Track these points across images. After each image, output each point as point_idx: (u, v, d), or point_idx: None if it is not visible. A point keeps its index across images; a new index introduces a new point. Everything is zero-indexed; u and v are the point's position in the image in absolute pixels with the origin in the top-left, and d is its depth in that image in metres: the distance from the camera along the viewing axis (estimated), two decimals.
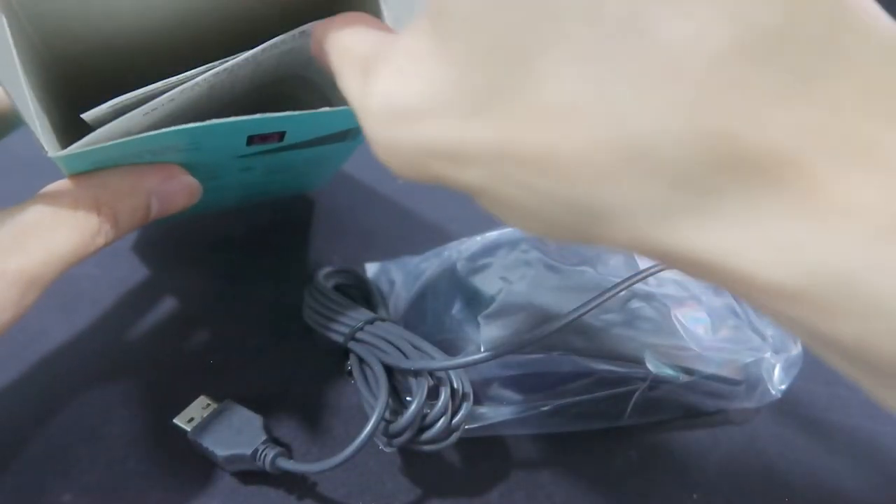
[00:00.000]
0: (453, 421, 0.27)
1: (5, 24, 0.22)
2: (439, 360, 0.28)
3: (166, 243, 0.42)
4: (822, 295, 0.13)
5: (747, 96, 0.13)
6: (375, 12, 0.27)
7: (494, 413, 0.29)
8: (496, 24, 0.15)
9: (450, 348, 0.30)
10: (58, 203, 0.24)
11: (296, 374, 0.34)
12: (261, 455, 0.28)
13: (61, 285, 0.38)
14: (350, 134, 0.32)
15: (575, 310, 0.27)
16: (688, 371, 0.30)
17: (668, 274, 0.31)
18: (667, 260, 0.15)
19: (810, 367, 0.31)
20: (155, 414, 0.31)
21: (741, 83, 0.13)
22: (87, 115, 0.23)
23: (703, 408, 0.31)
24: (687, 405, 0.31)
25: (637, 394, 0.29)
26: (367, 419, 0.27)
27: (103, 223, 0.25)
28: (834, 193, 0.13)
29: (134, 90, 0.23)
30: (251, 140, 0.28)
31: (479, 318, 0.31)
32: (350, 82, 0.19)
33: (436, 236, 0.39)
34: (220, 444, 0.28)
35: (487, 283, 0.32)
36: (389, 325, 0.31)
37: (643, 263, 0.31)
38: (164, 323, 0.36)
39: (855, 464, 0.30)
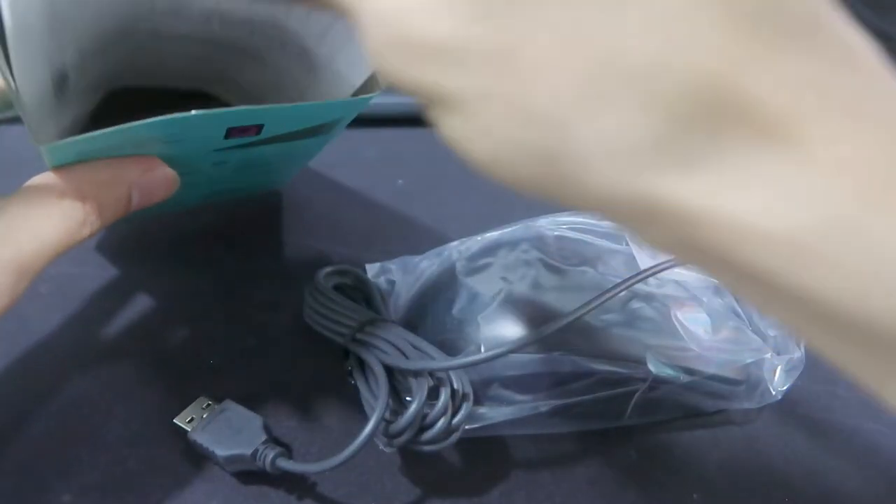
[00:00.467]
0: (453, 421, 0.27)
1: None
2: (439, 361, 0.28)
3: (166, 244, 0.42)
4: (812, 243, 0.14)
5: (749, 48, 0.14)
6: None
7: (495, 413, 0.29)
8: None
9: (450, 348, 0.30)
10: (44, 194, 0.25)
11: (296, 374, 0.34)
12: (261, 455, 0.28)
13: (61, 286, 0.38)
14: (325, 128, 0.32)
15: (575, 310, 0.27)
16: (688, 371, 0.30)
17: (669, 274, 0.31)
18: (642, 212, 0.15)
19: (810, 368, 0.31)
20: (155, 414, 0.31)
21: (744, 35, 0.14)
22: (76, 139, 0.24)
23: (703, 408, 0.31)
24: (687, 405, 0.31)
25: (637, 394, 0.29)
26: (367, 419, 0.27)
27: (88, 214, 0.25)
28: (826, 146, 0.13)
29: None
30: (230, 133, 0.28)
31: (479, 318, 0.31)
32: None
33: (436, 236, 0.39)
34: (220, 444, 0.28)
35: (487, 283, 0.32)
36: (389, 325, 0.31)
37: (644, 264, 0.31)
38: (165, 323, 0.36)
39: (855, 464, 0.30)
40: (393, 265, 0.36)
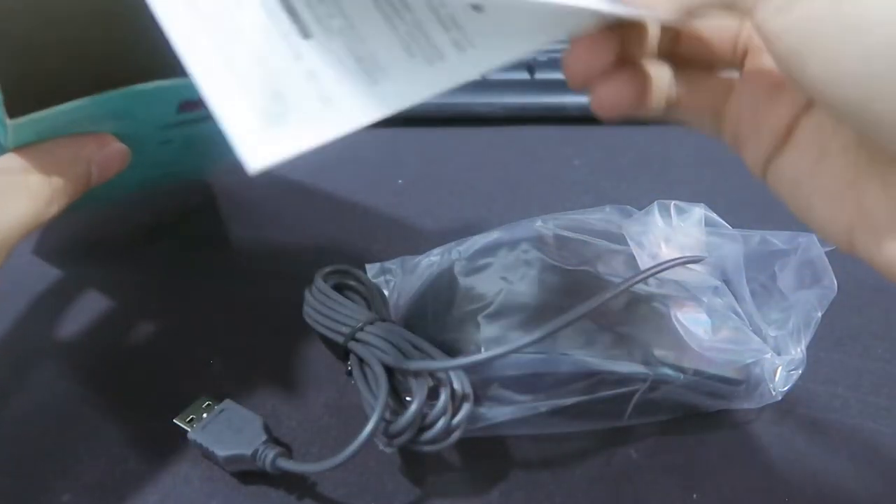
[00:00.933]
0: (453, 421, 0.27)
1: None
2: (439, 361, 0.28)
3: (165, 244, 0.42)
4: None
5: None
6: None
7: (495, 413, 0.29)
8: None
9: (450, 348, 0.30)
10: (10, 174, 0.25)
11: (296, 374, 0.34)
12: (261, 455, 0.28)
13: (61, 286, 0.38)
14: None
15: (575, 310, 0.27)
16: (688, 371, 0.30)
17: (669, 274, 0.31)
18: None
19: (811, 368, 0.31)
20: (155, 414, 0.31)
21: None
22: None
23: (703, 408, 0.31)
24: (687, 405, 0.31)
25: (637, 395, 0.29)
26: (366, 419, 0.27)
27: (55, 191, 0.26)
28: None
29: None
30: (182, 107, 0.28)
31: (479, 319, 0.31)
32: None
33: (436, 236, 0.39)
34: (221, 444, 0.29)
35: (487, 283, 0.32)
36: (389, 325, 0.31)
37: (644, 264, 0.31)
38: (165, 323, 0.36)
39: (855, 464, 0.30)
40: (393, 265, 0.36)
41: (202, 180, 0.46)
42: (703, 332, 0.30)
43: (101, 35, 0.30)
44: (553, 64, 0.52)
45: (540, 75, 0.51)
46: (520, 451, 0.30)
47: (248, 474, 0.29)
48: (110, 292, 0.38)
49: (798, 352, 0.30)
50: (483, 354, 0.27)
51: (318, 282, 0.34)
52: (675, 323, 0.30)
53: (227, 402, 0.30)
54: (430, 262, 0.35)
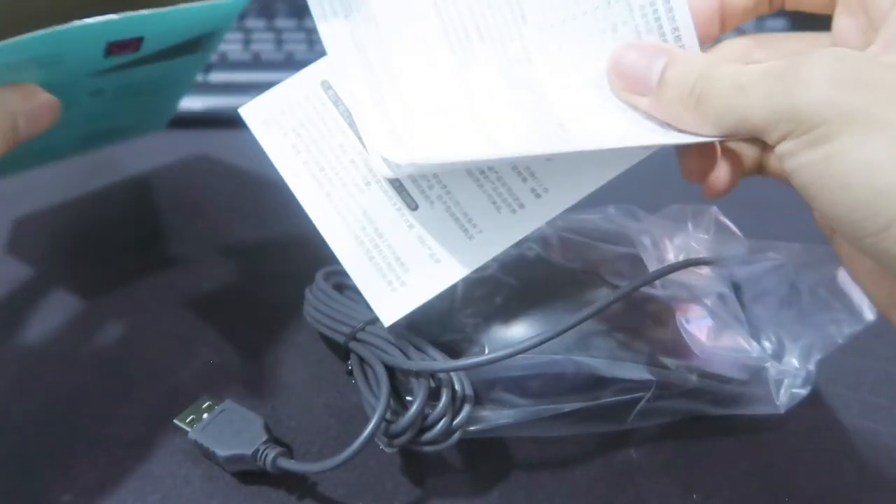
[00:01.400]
0: (454, 422, 0.27)
1: None
2: (441, 362, 0.28)
3: (165, 244, 0.42)
4: None
5: None
6: None
7: (496, 416, 0.29)
8: None
9: (451, 349, 0.30)
10: None
11: (296, 375, 0.34)
12: (261, 455, 0.28)
13: (61, 286, 0.38)
14: (202, 44, 0.34)
15: (579, 313, 0.27)
16: (692, 377, 0.30)
17: (676, 277, 0.31)
18: None
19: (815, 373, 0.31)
20: (155, 414, 0.31)
21: None
22: None
23: (706, 413, 0.31)
24: (690, 411, 0.31)
25: (642, 402, 0.29)
26: (367, 419, 0.27)
27: None
28: None
29: None
30: (109, 50, 0.29)
31: (482, 320, 0.31)
32: None
33: None
34: (221, 444, 0.28)
35: (490, 284, 0.32)
36: None
37: (651, 267, 0.31)
38: (165, 323, 0.36)
39: (855, 464, 0.30)
40: None
41: (196, 181, 0.45)
42: (706, 337, 0.30)
43: None
44: None
45: None
46: (520, 452, 0.30)
47: (249, 474, 0.29)
48: (109, 292, 0.38)
49: (806, 369, 0.30)
50: (484, 357, 0.27)
51: (319, 281, 0.34)
52: (680, 326, 0.30)
53: (228, 402, 0.30)
54: None
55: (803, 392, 0.30)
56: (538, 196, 0.27)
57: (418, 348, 0.29)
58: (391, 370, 0.29)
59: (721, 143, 0.27)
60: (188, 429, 0.29)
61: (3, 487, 0.29)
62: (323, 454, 0.30)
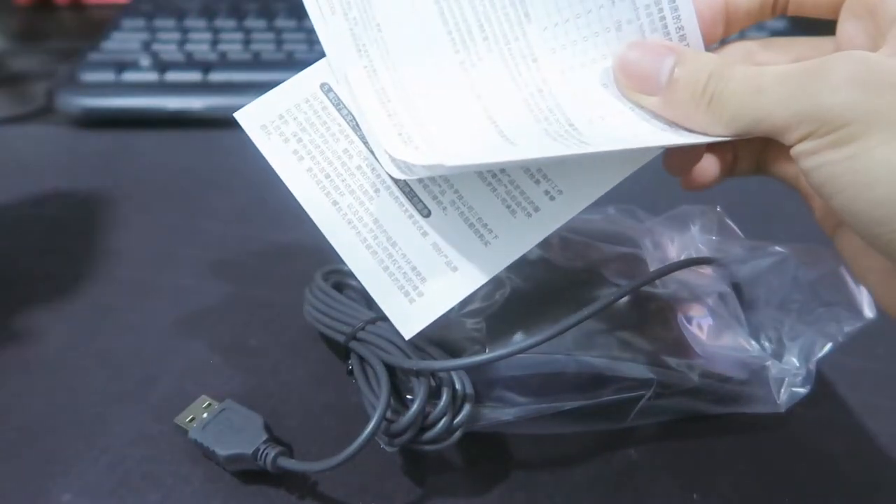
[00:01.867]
0: (454, 421, 0.27)
1: None
2: (441, 361, 0.28)
3: (165, 243, 0.42)
4: None
5: None
6: None
7: (496, 414, 0.29)
8: None
9: (452, 349, 0.30)
10: None
11: (296, 374, 0.33)
12: (261, 454, 0.28)
13: (61, 285, 0.38)
14: None
15: (580, 312, 0.27)
16: (692, 376, 0.30)
17: (674, 276, 0.31)
18: None
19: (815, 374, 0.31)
20: (155, 414, 0.31)
21: None
22: None
23: (706, 412, 0.31)
24: (690, 410, 0.31)
25: (643, 401, 0.29)
26: (367, 418, 0.27)
27: None
28: None
29: None
30: None
31: (482, 319, 0.31)
32: None
33: None
34: (221, 444, 0.28)
35: (491, 282, 0.32)
36: (391, 324, 0.30)
37: (652, 266, 0.31)
38: (165, 322, 0.36)
39: (855, 464, 0.30)
40: None
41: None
42: (706, 335, 0.30)
43: None
44: None
45: None
46: (520, 451, 0.30)
47: (249, 474, 0.29)
48: (109, 291, 0.38)
49: (806, 368, 0.30)
50: (485, 356, 0.27)
51: (319, 281, 0.34)
52: (680, 325, 0.30)
53: (228, 402, 0.30)
54: None
55: (803, 391, 0.30)
56: (553, 199, 0.27)
57: (419, 347, 0.29)
58: (391, 369, 0.29)
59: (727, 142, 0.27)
60: (188, 428, 0.29)
61: (3, 487, 0.29)
62: (323, 453, 0.30)
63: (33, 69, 0.61)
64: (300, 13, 0.59)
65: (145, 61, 0.55)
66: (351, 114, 0.27)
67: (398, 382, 0.29)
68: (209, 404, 0.30)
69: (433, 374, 0.28)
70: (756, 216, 0.37)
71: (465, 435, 0.28)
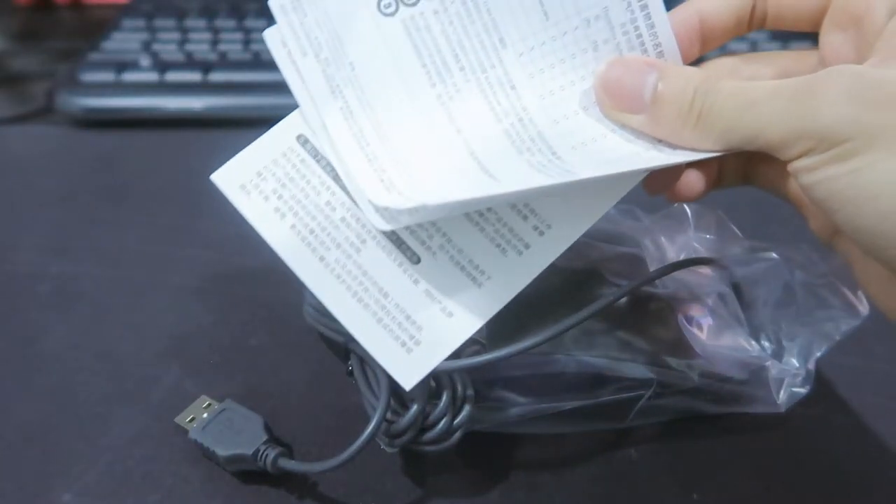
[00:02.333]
0: (455, 422, 0.27)
1: None
2: (441, 361, 0.28)
3: (165, 243, 0.42)
4: None
5: None
6: None
7: (496, 415, 0.29)
8: None
9: None
10: None
11: (296, 374, 0.34)
12: (262, 455, 0.28)
13: (62, 285, 0.38)
14: None
15: (580, 312, 0.27)
16: (692, 376, 0.30)
17: (674, 276, 0.31)
18: None
19: (815, 374, 0.31)
20: (156, 414, 0.31)
21: None
22: None
23: (706, 412, 0.31)
24: (690, 410, 0.31)
25: (642, 401, 0.29)
26: (368, 419, 0.27)
27: None
28: None
29: None
30: None
31: None
32: None
33: None
34: (221, 444, 0.28)
35: None
36: None
37: (652, 266, 0.31)
38: (165, 322, 0.36)
39: (855, 464, 0.30)
40: None
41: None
42: (706, 335, 0.30)
43: None
44: None
45: None
46: (520, 451, 0.30)
47: (249, 474, 0.29)
48: (109, 291, 0.38)
49: (805, 369, 0.30)
50: (485, 356, 0.27)
51: None
52: (680, 325, 0.30)
53: (228, 402, 0.30)
54: None
55: (803, 391, 0.30)
56: (542, 234, 0.26)
57: None
58: None
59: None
60: (188, 428, 0.29)
61: (3, 487, 0.29)
62: (323, 454, 0.30)
63: (33, 69, 0.61)
64: None
65: (145, 61, 0.55)
66: (330, 164, 0.26)
67: (398, 383, 0.29)
68: (209, 404, 0.30)
69: (433, 374, 0.28)
70: (755, 216, 0.37)
71: (466, 435, 0.28)
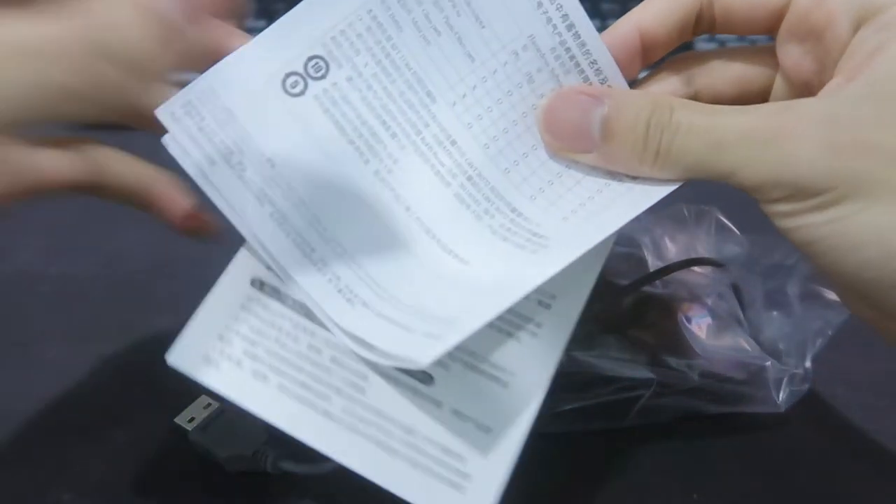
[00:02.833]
0: None
1: None
2: None
3: (165, 242, 0.42)
4: None
5: None
6: None
7: None
8: None
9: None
10: None
11: None
12: (262, 455, 0.28)
13: (62, 285, 0.38)
14: None
15: (581, 313, 0.27)
16: (692, 375, 0.30)
17: (677, 276, 0.31)
18: None
19: (815, 375, 0.31)
20: (156, 414, 0.31)
21: None
22: None
23: (706, 412, 0.31)
24: (690, 409, 0.31)
25: (643, 400, 0.29)
26: None
27: None
28: None
29: None
30: None
31: None
32: None
33: None
34: (222, 445, 0.28)
35: None
36: None
37: (652, 266, 0.31)
38: (165, 322, 0.36)
39: (855, 464, 0.30)
40: None
41: None
42: (707, 335, 0.30)
43: None
44: None
45: None
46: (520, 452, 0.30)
47: (249, 474, 0.29)
48: (109, 291, 0.38)
49: (803, 367, 0.30)
50: None
51: None
52: (681, 325, 0.30)
53: (228, 403, 0.30)
54: None
55: (802, 390, 0.30)
56: (549, 307, 0.23)
57: None
58: None
59: None
60: (189, 428, 0.29)
61: (3, 487, 0.29)
62: (323, 455, 0.30)
63: None
64: None
65: None
66: (298, 302, 0.23)
67: None
68: (209, 404, 0.30)
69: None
70: (754, 216, 0.36)
71: None
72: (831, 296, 0.31)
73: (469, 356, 0.23)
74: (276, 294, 0.23)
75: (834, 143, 0.20)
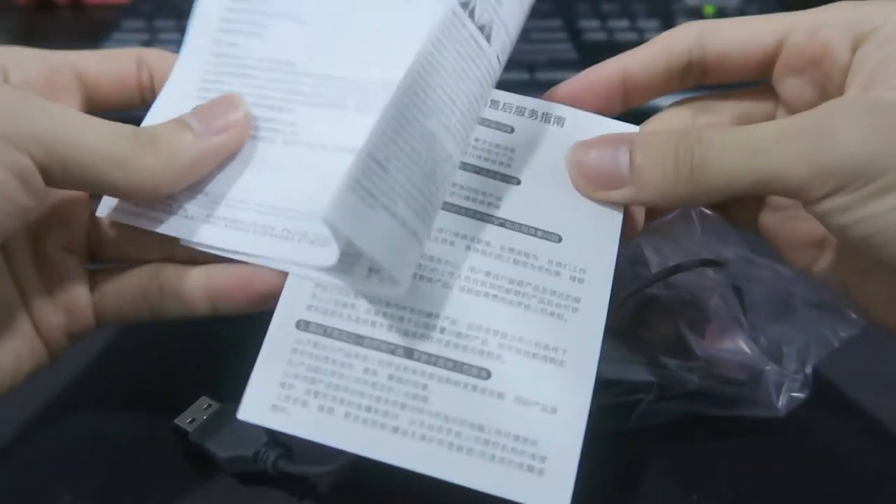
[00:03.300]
0: None
1: None
2: None
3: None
4: None
5: None
6: None
7: None
8: None
9: None
10: None
11: None
12: (262, 456, 0.28)
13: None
14: None
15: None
16: (693, 378, 0.30)
17: (676, 279, 0.31)
18: None
19: (815, 377, 0.31)
20: (156, 415, 0.31)
21: None
22: None
23: (706, 415, 0.31)
24: (691, 413, 0.31)
25: (643, 404, 0.29)
26: None
27: None
28: None
29: None
30: None
31: None
32: None
33: None
34: (222, 446, 0.28)
35: None
36: None
37: (653, 268, 0.31)
38: (165, 323, 0.36)
39: (854, 465, 0.30)
40: None
41: None
42: (707, 339, 0.30)
43: None
44: (553, 64, 0.52)
45: (540, 75, 0.51)
46: None
47: (249, 475, 0.29)
48: None
49: (803, 373, 0.30)
50: None
51: None
52: (681, 329, 0.30)
53: (229, 403, 0.30)
54: None
55: (802, 395, 0.30)
56: (581, 281, 0.25)
57: None
58: None
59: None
60: (189, 430, 0.29)
61: (3, 487, 0.29)
62: (324, 456, 0.30)
63: None
64: None
65: None
66: (345, 331, 0.24)
67: None
68: (210, 405, 0.30)
69: None
70: None
71: None
72: (842, 307, 0.31)
73: (520, 342, 0.24)
74: (323, 330, 0.24)
75: (879, 125, 0.20)
